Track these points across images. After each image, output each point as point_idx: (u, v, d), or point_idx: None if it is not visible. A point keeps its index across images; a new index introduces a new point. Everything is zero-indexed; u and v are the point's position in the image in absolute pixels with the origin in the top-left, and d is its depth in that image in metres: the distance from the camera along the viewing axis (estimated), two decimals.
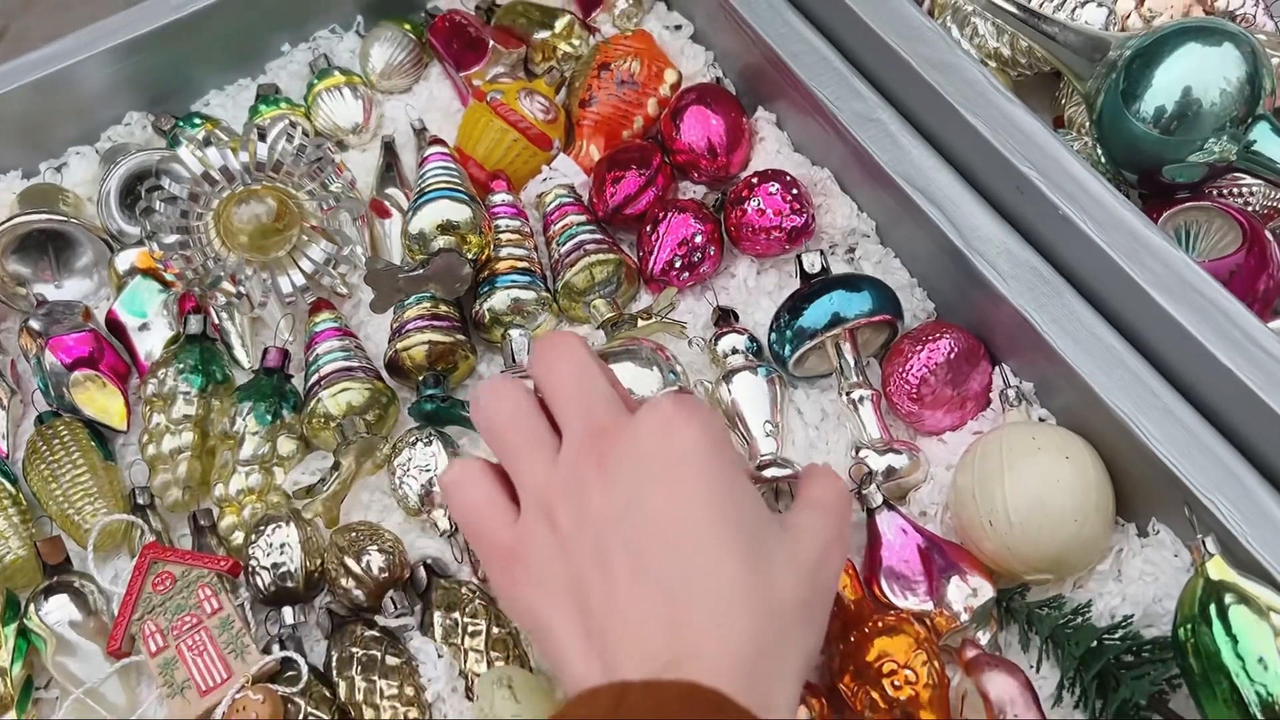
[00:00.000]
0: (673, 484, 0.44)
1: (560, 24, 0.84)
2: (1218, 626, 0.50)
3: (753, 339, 0.68)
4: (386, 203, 0.79)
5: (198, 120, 0.84)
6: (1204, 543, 0.52)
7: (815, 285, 0.66)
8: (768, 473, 0.62)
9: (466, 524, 0.49)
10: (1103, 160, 0.68)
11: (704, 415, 0.46)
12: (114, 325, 0.75)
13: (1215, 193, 0.68)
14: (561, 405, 0.49)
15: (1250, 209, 0.69)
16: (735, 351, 0.67)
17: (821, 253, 0.68)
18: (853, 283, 0.66)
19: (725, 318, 0.70)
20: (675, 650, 0.40)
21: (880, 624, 0.55)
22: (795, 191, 0.71)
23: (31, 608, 0.63)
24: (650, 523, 0.43)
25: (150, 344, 0.74)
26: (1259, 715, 0.48)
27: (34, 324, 0.73)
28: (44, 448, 0.69)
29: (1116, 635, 0.56)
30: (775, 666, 0.41)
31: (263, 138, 0.70)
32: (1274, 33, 0.74)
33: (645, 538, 0.43)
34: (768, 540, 0.44)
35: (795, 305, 0.66)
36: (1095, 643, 0.55)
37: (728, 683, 0.38)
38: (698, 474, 0.44)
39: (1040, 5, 0.73)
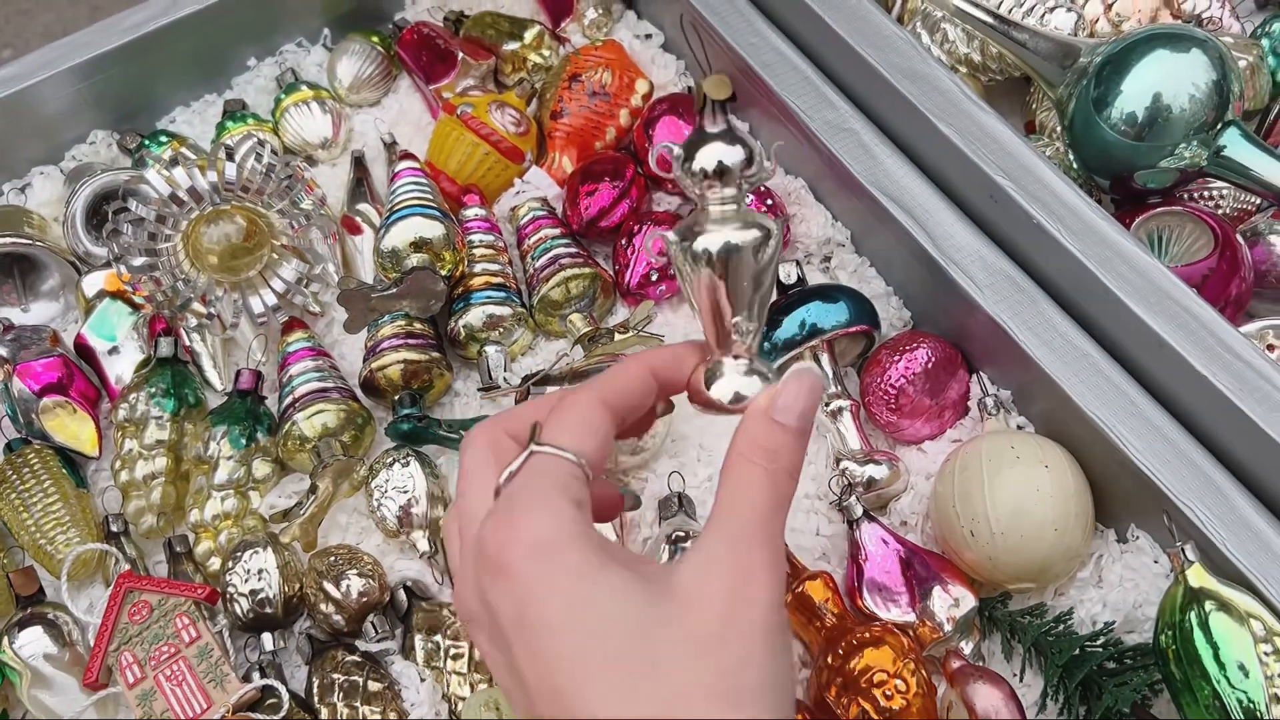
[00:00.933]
0: (526, 628, 0.37)
1: (530, 35, 0.84)
2: (1198, 634, 0.50)
3: (752, 156, 0.43)
4: (358, 219, 0.78)
5: (164, 138, 0.83)
6: (1183, 550, 0.52)
7: (792, 297, 0.66)
8: (723, 389, 0.44)
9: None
10: (1075, 166, 0.68)
11: (520, 543, 0.37)
12: (83, 349, 0.73)
13: (1187, 197, 0.69)
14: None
15: (1221, 212, 0.69)
16: (722, 175, 0.44)
17: (798, 263, 0.68)
18: (829, 294, 0.66)
19: (716, 106, 0.45)
20: None
21: (866, 635, 0.55)
22: (770, 201, 0.71)
23: (4, 640, 0.62)
24: (533, 660, 0.37)
25: (120, 368, 0.73)
26: None
27: (1, 350, 0.72)
28: (14, 476, 0.67)
29: (1098, 643, 0.56)
30: None
31: (231, 157, 0.69)
32: (1240, 35, 0.75)
33: (532, 668, 0.37)
34: (646, 644, 0.36)
35: (772, 317, 0.65)
36: (1078, 651, 0.56)
37: None
38: (541, 619, 0.36)
39: (1009, 11, 0.74)
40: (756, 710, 0.35)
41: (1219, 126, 0.62)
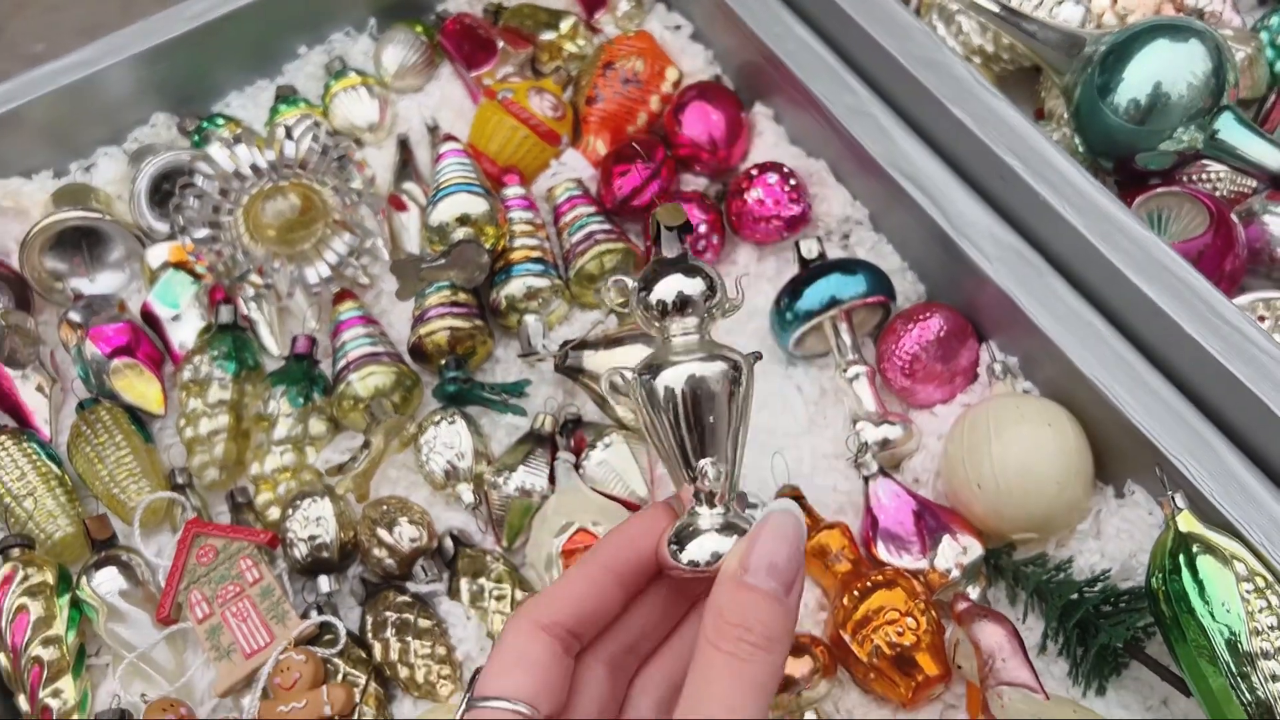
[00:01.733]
0: None
1: (565, 25, 0.89)
2: (1186, 574, 0.54)
3: (712, 285, 0.42)
4: (404, 197, 0.83)
5: (220, 120, 0.88)
6: (1173, 499, 0.56)
7: (813, 269, 0.70)
8: (696, 550, 0.39)
9: None
10: (1080, 149, 0.72)
11: None
12: (148, 316, 0.79)
13: (1185, 179, 0.73)
14: None
15: (1219, 194, 0.73)
16: (684, 308, 0.41)
17: (819, 239, 0.72)
18: (848, 267, 0.70)
19: (664, 238, 0.42)
20: None
21: (880, 578, 0.60)
22: (793, 182, 0.75)
23: (83, 579, 0.67)
24: None
25: (183, 334, 0.78)
26: (1224, 654, 0.53)
27: (74, 316, 0.77)
28: (88, 431, 0.73)
29: (1095, 588, 0.60)
30: None
31: (290, 136, 0.74)
32: (1241, 28, 0.79)
33: None
34: None
35: (795, 288, 0.70)
36: (1076, 595, 0.60)
37: None
38: None
39: (1020, 4, 0.78)
40: None
41: (1215, 112, 0.67)
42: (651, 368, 0.40)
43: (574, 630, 0.39)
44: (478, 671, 0.37)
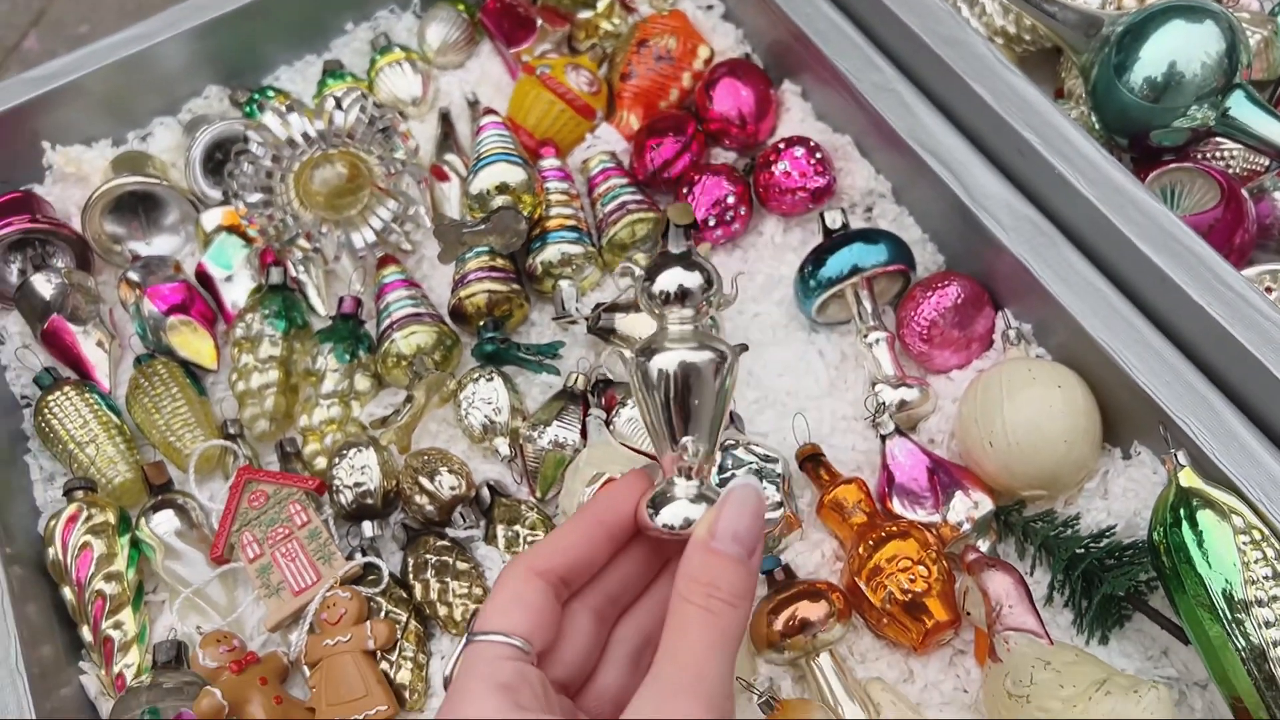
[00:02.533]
0: None
1: (602, 4, 0.92)
2: (1186, 527, 0.57)
3: (710, 280, 0.45)
4: (445, 168, 0.86)
5: (270, 93, 0.92)
6: (1176, 456, 0.59)
7: (836, 239, 0.74)
8: (670, 514, 0.44)
9: None
10: (1097, 126, 0.75)
11: None
12: (202, 277, 0.83)
13: (1199, 156, 0.75)
14: None
15: (1231, 171, 0.76)
16: (684, 298, 0.45)
17: (842, 210, 0.75)
18: (870, 236, 0.73)
19: (680, 232, 0.45)
20: None
21: (894, 529, 0.63)
22: (819, 155, 0.78)
23: (141, 521, 0.71)
24: None
25: (235, 294, 0.82)
26: (1221, 603, 0.56)
27: (132, 275, 0.81)
28: (145, 384, 0.77)
29: (1100, 542, 0.63)
30: None
31: (339, 107, 0.78)
32: (1259, 12, 0.81)
33: None
34: None
35: (819, 256, 0.73)
36: (1081, 548, 0.63)
37: None
38: None
39: None
40: None
41: (1227, 90, 0.69)
42: (647, 350, 0.44)
43: (565, 578, 0.43)
44: (475, 612, 0.41)
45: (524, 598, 0.42)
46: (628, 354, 0.45)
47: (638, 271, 0.45)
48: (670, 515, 0.43)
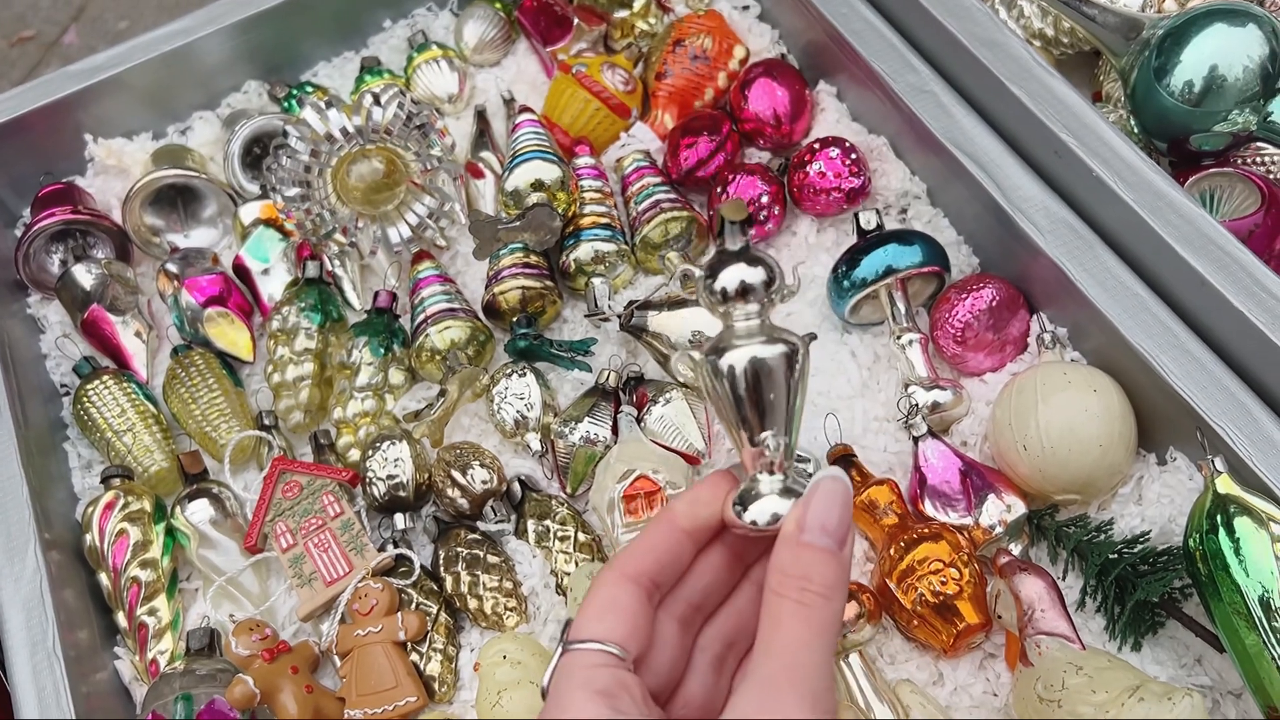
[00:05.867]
0: None
1: (638, 3, 0.92)
2: (1223, 534, 0.57)
3: (773, 273, 0.45)
4: (480, 165, 0.87)
5: (309, 89, 0.93)
6: (1213, 462, 0.58)
7: (870, 240, 0.73)
8: (757, 513, 0.43)
9: None
10: (1136, 130, 0.74)
11: None
12: (239, 269, 0.84)
13: (1239, 161, 0.75)
14: None
15: (1271, 176, 0.75)
16: (746, 295, 0.45)
17: (877, 211, 0.75)
18: (905, 237, 0.73)
19: (735, 228, 0.45)
20: None
21: (925, 531, 0.63)
22: (854, 156, 0.78)
23: (177, 509, 0.72)
24: None
25: (272, 287, 0.83)
26: (1258, 612, 0.55)
27: (171, 267, 0.82)
28: (182, 374, 0.78)
29: (1134, 548, 0.63)
30: None
31: (377, 103, 0.79)
32: None
33: None
34: None
35: (853, 257, 0.73)
36: (1114, 553, 0.63)
37: None
38: None
39: None
40: None
41: (1269, 95, 0.68)
42: (717, 349, 0.43)
43: (656, 580, 0.43)
44: (568, 622, 0.41)
45: (619, 602, 0.42)
46: (697, 355, 0.44)
47: (697, 273, 0.45)
48: (757, 512, 0.42)
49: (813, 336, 0.47)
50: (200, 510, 0.72)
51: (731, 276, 0.43)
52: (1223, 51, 0.69)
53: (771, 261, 0.44)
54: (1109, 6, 0.75)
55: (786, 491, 0.42)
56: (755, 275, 0.44)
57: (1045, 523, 0.66)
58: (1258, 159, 0.76)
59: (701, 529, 0.44)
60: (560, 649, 0.41)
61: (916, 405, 0.69)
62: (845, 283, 0.73)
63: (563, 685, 0.39)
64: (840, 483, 0.41)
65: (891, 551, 0.64)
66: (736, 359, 0.43)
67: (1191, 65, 0.69)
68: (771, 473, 0.43)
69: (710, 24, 0.88)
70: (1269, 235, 0.69)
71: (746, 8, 0.93)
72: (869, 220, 0.75)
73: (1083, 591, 0.64)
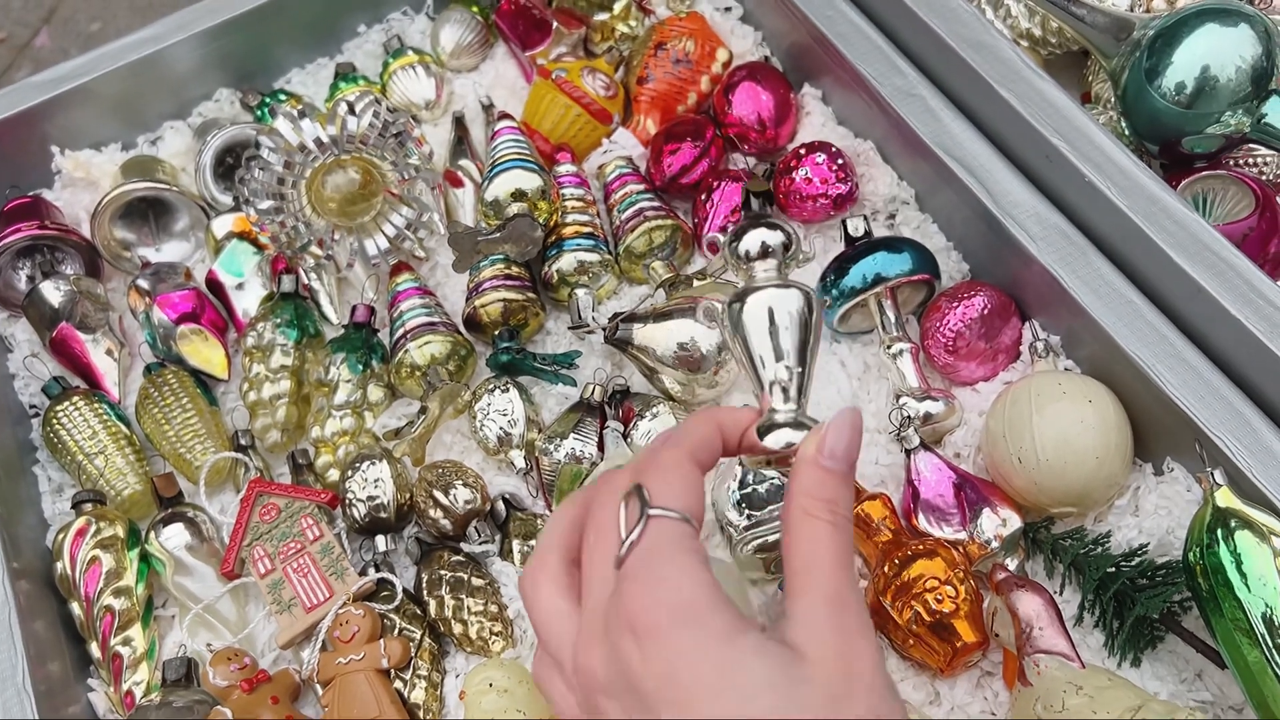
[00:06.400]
0: (675, 706, 0.38)
1: (618, 6, 0.90)
2: (1223, 548, 0.55)
3: (790, 238, 0.52)
4: (459, 173, 0.85)
5: (282, 96, 0.91)
6: (1212, 475, 0.57)
7: (859, 247, 0.72)
8: (776, 438, 0.46)
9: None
10: (1127, 132, 0.73)
11: (668, 606, 0.38)
12: (213, 284, 0.82)
13: (1231, 162, 0.73)
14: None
15: (1264, 177, 0.74)
16: (767, 253, 0.51)
17: (865, 218, 0.74)
18: (894, 245, 0.71)
19: (755, 201, 0.60)
20: None
21: (920, 548, 0.62)
22: (840, 161, 0.77)
23: (151, 535, 0.70)
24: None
25: (246, 302, 0.81)
26: (1261, 628, 0.54)
27: (142, 283, 0.80)
28: (155, 394, 0.76)
29: (1132, 562, 0.62)
30: None
31: (352, 112, 0.77)
32: None
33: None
34: (794, 700, 0.37)
35: (841, 265, 0.72)
36: (1113, 568, 0.61)
37: None
38: (690, 690, 0.37)
39: None
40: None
41: (1262, 96, 0.67)
42: (739, 295, 0.49)
43: (705, 470, 0.44)
44: (637, 487, 0.41)
45: (693, 483, 0.42)
46: (718, 304, 0.50)
47: (722, 239, 0.51)
48: (778, 438, 0.46)
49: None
50: (175, 535, 0.70)
51: (754, 238, 0.50)
52: (1215, 52, 0.67)
53: (790, 228, 0.50)
54: (1098, 6, 0.74)
55: (798, 425, 0.46)
56: (775, 238, 0.51)
57: (1041, 536, 0.65)
58: (1250, 160, 0.74)
59: (728, 444, 0.47)
60: (646, 515, 0.40)
61: (909, 417, 0.68)
62: (834, 291, 0.72)
63: (667, 549, 0.39)
64: (854, 411, 0.44)
65: (886, 569, 0.62)
66: (757, 299, 0.49)
67: (1183, 66, 0.68)
68: (785, 399, 0.47)
69: (692, 27, 0.87)
70: (1263, 239, 0.68)
71: (729, 9, 0.91)
72: (857, 227, 0.73)
73: (1081, 607, 0.62)
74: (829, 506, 0.41)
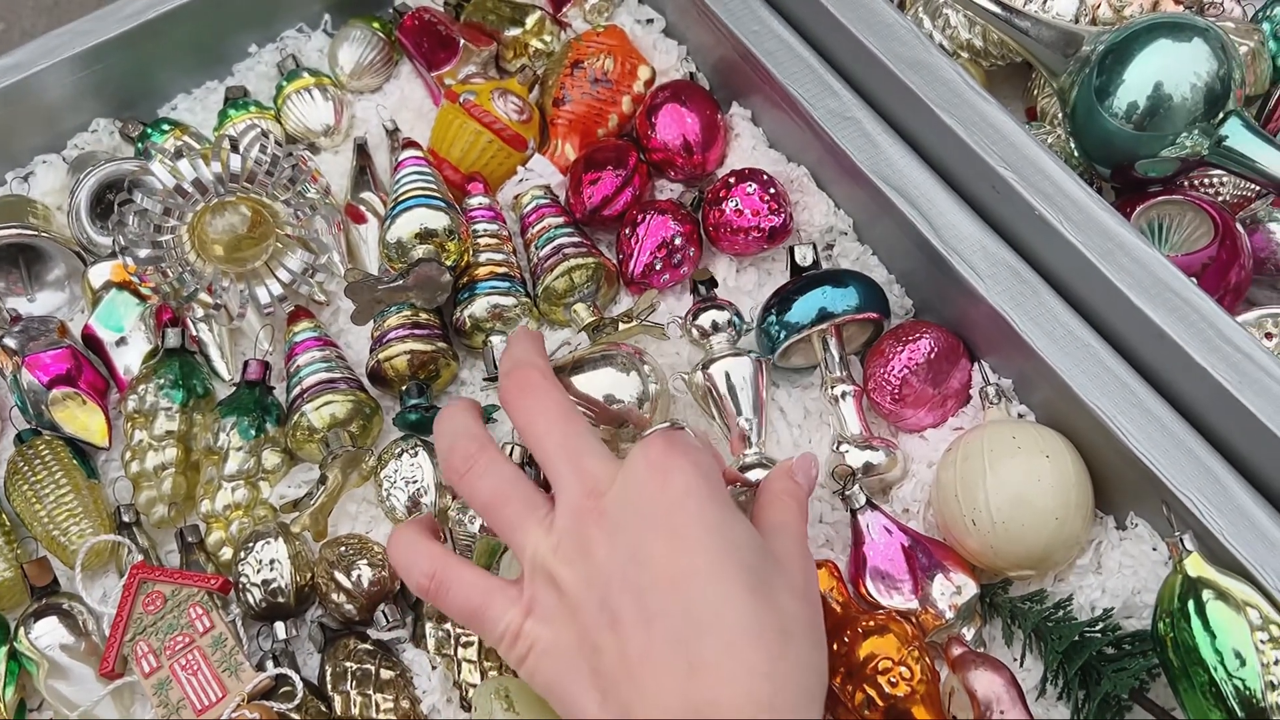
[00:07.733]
0: (673, 530, 0.46)
1: (531, 20, 0.84)
2: (1196, 622, 0.51)
3: (736, 314, 0.68)
4: (362, 207, 0.78)
5: (166, 126, 0.83)
6: (1181, 540, 0.53)
7: (803, 280, 0.66)
8: (752, 475, 0.62)
9: (468, 622, 0.51)
10: (1076, 154, 0.68)
11: (694, 455, 0.49)
12: (91, 340, 0.74)
13: (1187, 185, 0.69)
14: (551, 463, 0.51)
15: (1220, 199, 0.70)
16: (717, 329, 0.67)
17: (814, 245, 0.69)
18: (840, 279, 0.66)
19: (702, 288, 0.71)
20: (693, 698, 0.42)
21: (870, 624, 0.56)
22: (773, 190, 0.71)
23: (21, 631, 0.63)
24: (655, 571, 0.45)
25: (128, 359, 0.73)
26: (1236, 708, 0.50)
27: (9, 341, 0.72)
28: (25, 468, 0.68)
29: (1097, 629, 0.57)
30: (794, 696, 0.44)
31: (235, 149, 0.70)
32: (1241, 19, 0.75)
33: (652, 586, 0.45)
34: (767, 572, 0.47)
35: (784, 299, 0.66)
36: (1077, 637, 0.57)
37: None
38: (696, 517, 0.47)
39: None
40: (820, 639, 0.49)
41: (1221, 116, 0.63)
42: (704, 365, 0.66)
43: None
44: (673, 422, 0.64)
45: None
46: (686, 376, 0.67)
47: (682, 317, 0.69)
48: (751, 476, 0.62)
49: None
50: (49, 631, 0.63)
51: (707, 319, 0.67)
52: (1168, 69, 0.63)
53: (733, 308, 0.68)
54: (1044, 19, 0.69)
55: (761, 465, 0.63)
56: (723, 316, 0.68)
57: (998, 599, 0.60)
58: (1205, 179, 0.70)
59: None
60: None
61: (854, 474, 0.63)
62: (775, 327, 0.66)
63: (686, 438, 0.51)
64: (812, 455, 0.59)
65: (835, 647, 0.57)
66: (718, 369, 0.65)
67: (1135, 85, 0.63)
68: (748, 445, 0.64)
69: (611, 42, 0.80)
70: (1223, 269, 0.64)
71: (650, 21, 0.85)
72: (805, 256, 0.68)
73: (1043, 679, 0.58)
74: (795, 497, 0.54)
